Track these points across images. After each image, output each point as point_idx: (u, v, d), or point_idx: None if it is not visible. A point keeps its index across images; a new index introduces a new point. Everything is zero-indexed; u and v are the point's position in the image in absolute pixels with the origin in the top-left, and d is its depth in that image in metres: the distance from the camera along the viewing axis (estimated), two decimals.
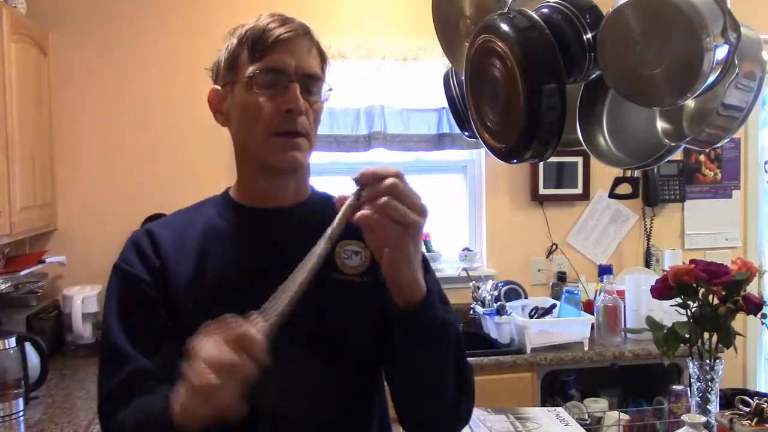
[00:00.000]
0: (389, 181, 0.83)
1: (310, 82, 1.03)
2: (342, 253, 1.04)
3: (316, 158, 3.04)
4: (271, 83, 1.01)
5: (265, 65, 1.00)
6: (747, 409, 1.52)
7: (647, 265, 3.32)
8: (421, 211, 0.86)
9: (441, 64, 2.94)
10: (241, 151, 1.08)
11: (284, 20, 1.03)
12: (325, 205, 1.10)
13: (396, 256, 0.85)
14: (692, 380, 1.56)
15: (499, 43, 1.38)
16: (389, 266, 0.87)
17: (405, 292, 0.89)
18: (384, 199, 0.83)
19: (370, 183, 0.84)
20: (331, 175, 3.16)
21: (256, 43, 1.01)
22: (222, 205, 1.11)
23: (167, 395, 0.85)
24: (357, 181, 0.85)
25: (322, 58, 1.08)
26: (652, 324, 1.60)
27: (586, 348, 2.74)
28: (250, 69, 1.01)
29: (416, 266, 0.88)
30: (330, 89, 1.08)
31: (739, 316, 1.54)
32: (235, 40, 1.04)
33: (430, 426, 1.05)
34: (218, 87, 1.07)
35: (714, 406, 1.54)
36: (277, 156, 1.02)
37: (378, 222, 0.83)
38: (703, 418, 1.43)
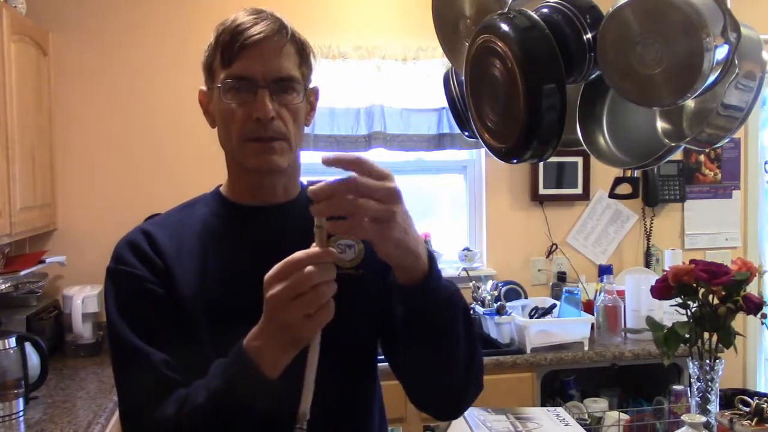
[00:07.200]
0: (348, 184, 0.83)
1: (282, 85, 1.01)
2: (336, 248, 1.04)
3: (316, 158, 3.03)
4: (240, 90, 1.00)
5: (233, 73, 1.00)
6: (747, 409, 1.52)
7: (647, 265, 3.32)
8: (392, 198, 0.83)
9: (441, 64, 2.95)
10: (226, 153, 1.09)
11: (257, 19, 1.01)
12: None
13: (386, 247, 0.85)
14: (692, 380, 1.56)
15: (499, 43, 1.38)
16: (383, 254, 0.87)
17: (407, 272, 0.89)
18: (348, 210, 0.82)
19: (326, 199, 0.83)
20: (331, 176, 3.15)
21: (225, 48, 1.00)
22: (215, 203, 1.11)
23: (241, 344, 0.87)
24: (313, 205, 0.84)
25: (301, 53, 1.05)
26: (652, 324, 1.60)
27: (586, 348, 2.74)
28: (222, 76, 1.01)
29: (410, 245, 0.87)
30: (311, 86, 1.07)
31: (739, 316, 1.54)
32: (212, 41, 1.04)
33: (437, 404, 1.07)
34: (204, 88, 1.09)
35: (714, 406, 1.54)
36: (253, 161, 1.03)
37: (354, 228, 0.82)
38: (703, 418, 1.43)
